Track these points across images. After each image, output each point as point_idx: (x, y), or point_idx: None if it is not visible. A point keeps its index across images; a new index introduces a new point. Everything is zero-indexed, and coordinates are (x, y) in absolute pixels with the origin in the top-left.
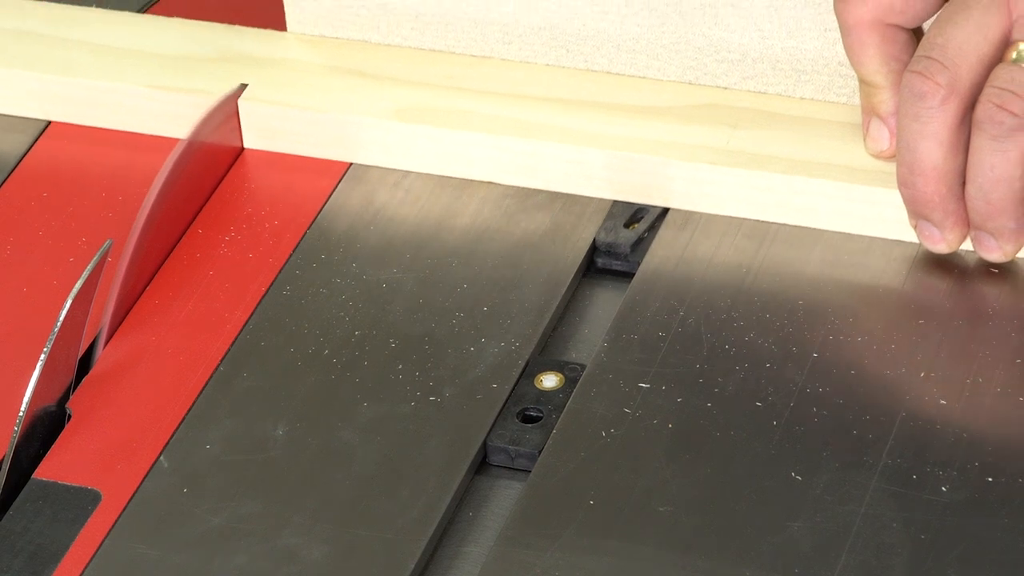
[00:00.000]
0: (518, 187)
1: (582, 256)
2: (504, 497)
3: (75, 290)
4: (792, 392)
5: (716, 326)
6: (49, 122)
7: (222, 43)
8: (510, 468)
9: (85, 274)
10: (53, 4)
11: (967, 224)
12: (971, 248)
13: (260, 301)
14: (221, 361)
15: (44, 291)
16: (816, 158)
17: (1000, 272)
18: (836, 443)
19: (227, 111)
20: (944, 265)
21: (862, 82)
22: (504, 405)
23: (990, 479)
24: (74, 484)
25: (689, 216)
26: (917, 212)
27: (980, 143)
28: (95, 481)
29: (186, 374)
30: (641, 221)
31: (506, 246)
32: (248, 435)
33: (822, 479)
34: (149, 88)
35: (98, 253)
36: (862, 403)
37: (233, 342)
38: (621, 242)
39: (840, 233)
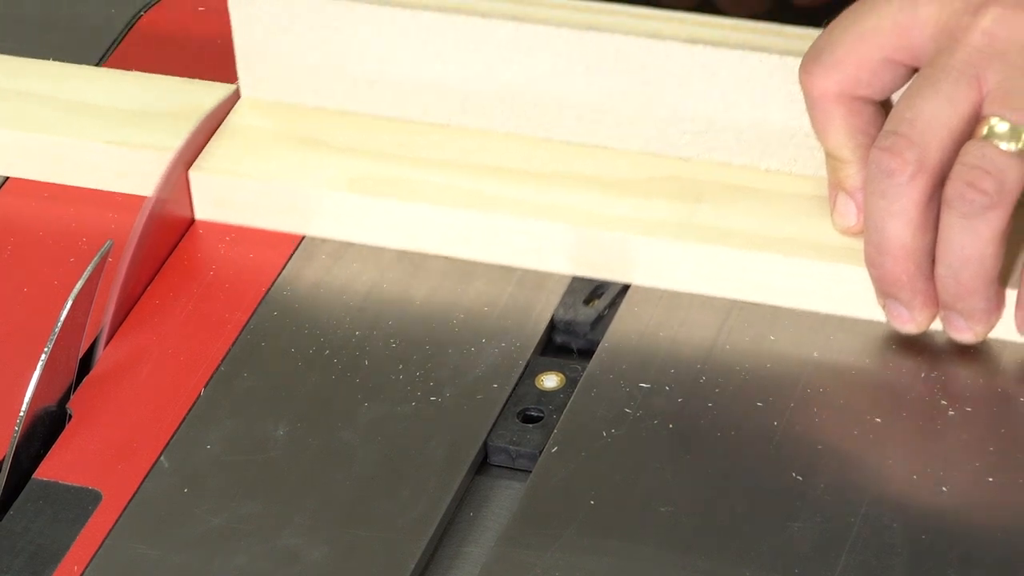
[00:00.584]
0: (474, 261)
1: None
2: (505, 497)
3: (76, 291)
4: (792, 392)
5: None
6: (6, 178)
7: (180, 97)
8: (511, 468)
9: (85, 275)
10: (9, 56)
11: (936, 304)
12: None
13: (260, 301)
14: (221, 361)
15: (44, 292)
16: (782, 234)
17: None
18: (836, 443)
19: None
20: (914, 345)
21: (828, 155)
22: (505, 405)
23: (990, 479)
24: (74, 484)
25: (651, 292)
26: (885, 291)
27: (950, 222)
28: (95, 481)
29: (186, 374)
30: (601, 297)
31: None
32: (248, 435)
33: (822, 479)
34: (107, 144)
35: (98, 254)
36: (862, 403)
37: (233, 342)
38: (580, 319)
39: (807, 311)
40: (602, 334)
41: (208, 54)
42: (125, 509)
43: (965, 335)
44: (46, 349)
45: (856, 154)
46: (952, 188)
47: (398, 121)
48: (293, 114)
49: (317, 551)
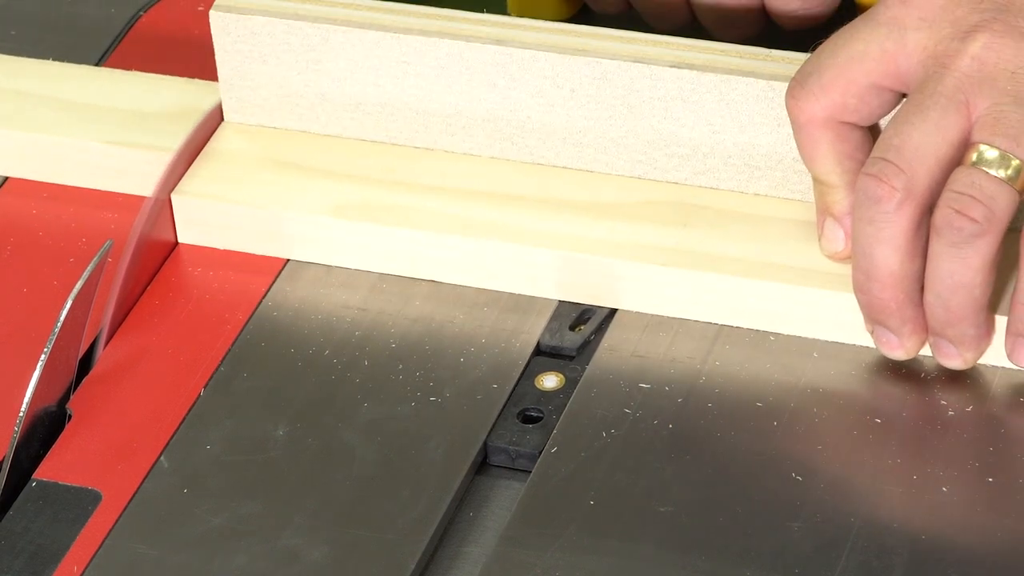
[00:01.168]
0: (460, 286)
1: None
2: (504, 497)
3: (75, 291)
4: (792, 392)
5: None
6: (6, 178)
7: (180, 97)
8: (510, 468)
9: (85, 275)
10: (9, 56)
11: (925, 330)
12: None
13: (260, 301)
14: (221, 361)
15: (44, 292)
16: (770, 259)
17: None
18: (836, 443)
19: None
20: (901, 371)
21: (816, 181)
22: (504, 405)
23: (990, 479)
24: (74, 484)
25: (638, 317)
26: (874, 318)
27: (939, 249)
28: (95, 481)
29: (186, 374)
30: (588, 323)
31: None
32: (248, 435)
33: (822, 479)
34: (106, 144)
35: (98, 254)
36: (862, 403)
37: (233, 342)
38: (567, 345)
39: (795, 336)
40: (588, 359)
41: (208, 54)
42: (125, 509)
43: (955, 361)
44: (46, 349)
45: (844, 179)
46: (941, 216)
47: (382, 145)
48: (277, 138)
49: (317, 551)
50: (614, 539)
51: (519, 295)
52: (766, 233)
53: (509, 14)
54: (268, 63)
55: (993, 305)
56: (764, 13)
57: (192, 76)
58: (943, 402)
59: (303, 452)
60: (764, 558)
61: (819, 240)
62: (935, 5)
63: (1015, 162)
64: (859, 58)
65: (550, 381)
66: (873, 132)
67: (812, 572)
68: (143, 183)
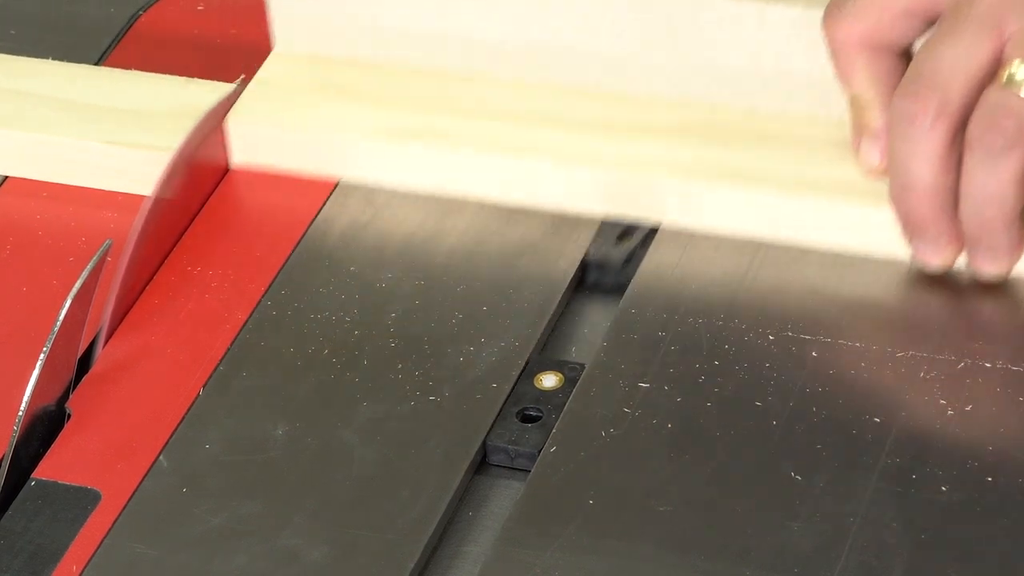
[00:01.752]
0: (508, 205)
1: (573, 272)
2: (504, 497)
3: (75, 290)
4: (792, 392)
5: (711, 337)
6: (6, 177)
7: (180, 97)
8: (510, 468)
9: (85, 274)
10: (9, 56)
11: (961, 240)
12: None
13: (260, 301)
14: (221, 361)
15: (44, 291)
16: (807, 176)
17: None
18: (836, 443)
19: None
20: (939, 281)
21: (851, 101)
22: (504, 405)
23: (990, 479)
24: (74, 484)
25: (680, 233)
26: (912, 231)
27: (972, 162)
28: (95, 481)
29: (186, 374)
30: (632, 237)
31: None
32: (248, 435)
33: (822, 479)
34: (107, 144)
35: (98, 253)
36: (862, 403)
37: (233, 342)
38: (613, 258)
39: (832, 251)
40: (633, 272)
41: (208, 54)
42: (124, 509)
43: (990, 269)
44: (45, 348)
45: (878, 98)
46: (973, 129)
47: (431, 72)
48: (326, 66)
49: (317, 551)
50: (614, 539)
51: (564, 213)
52: (804, 151)
53: None
54: None
55: None
56: None
57: (192, 76)
58: (943, 401)
59: (303, 452)
60: (764, 558)
61: (856, 157)
62: None
63: None
64: None
65: (549, 380)
66: (906, 56)
67: (812, 572)
68: (143, 183)
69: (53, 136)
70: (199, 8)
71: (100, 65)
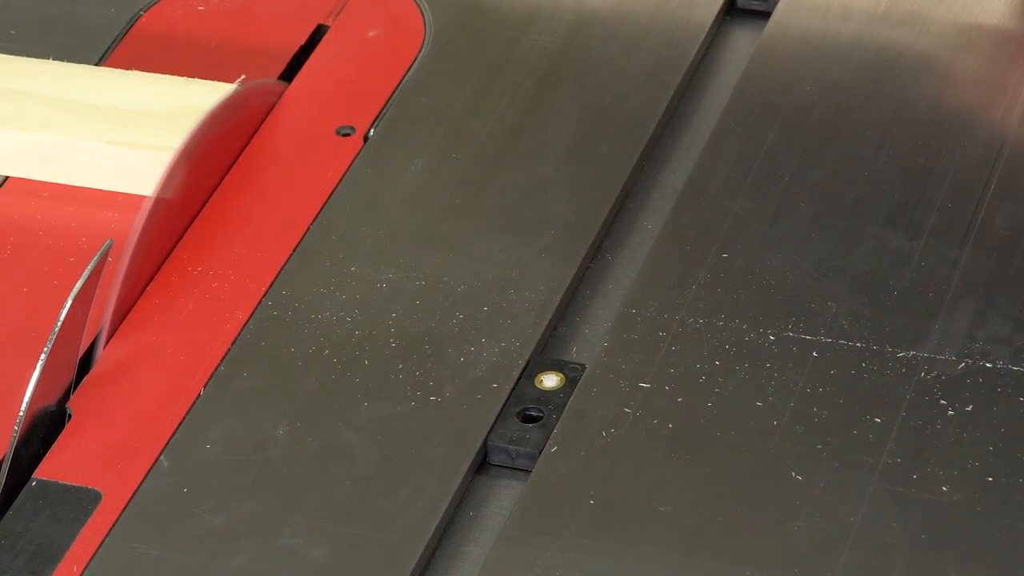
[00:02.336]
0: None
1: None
2: (504, 497)
3: (75, 290)
4: (792, 392)
5: (711, 337)
6: (6, 177)
7: (180, 97)
8: (510, 468)
9: (85, 274)
10: (9, 56)
11: None
12: None
13: (260, 301)
14: (221, 361)
15: (44, 291)
16: None
17: None
18: (836, 443)
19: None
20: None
21: None
22: (504, 405)
23: (990, 479)
24: (74, 484)
25: None
26: None
27: None
28: (95, 481)
29: (186, 374)
30: None
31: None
32: (248, 435)
33: (822, 479)
34: (107, 144)
35: (98, 253)
36: (862, 403)
37: (233, 342)
38: None
39: None
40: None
41: (208, 54)
42: (125, 509)
43: None
44: (46, 349)
45: None
46: None
47: None
48: None
49: (317, 551)
50: (614, 539)
51: None
52: None
53: None
54: None
55: None
56: None
57: (192, 76)
58: (943, 402)
59: (303, 452)
60: (764, 558)
61: None
62: None
63: None
64: None
65: (550, 381)
66: None
67: (812, 572)
68: (143, 183)
69: (53, 136)
70: (199, 8)
71: (100, 65)
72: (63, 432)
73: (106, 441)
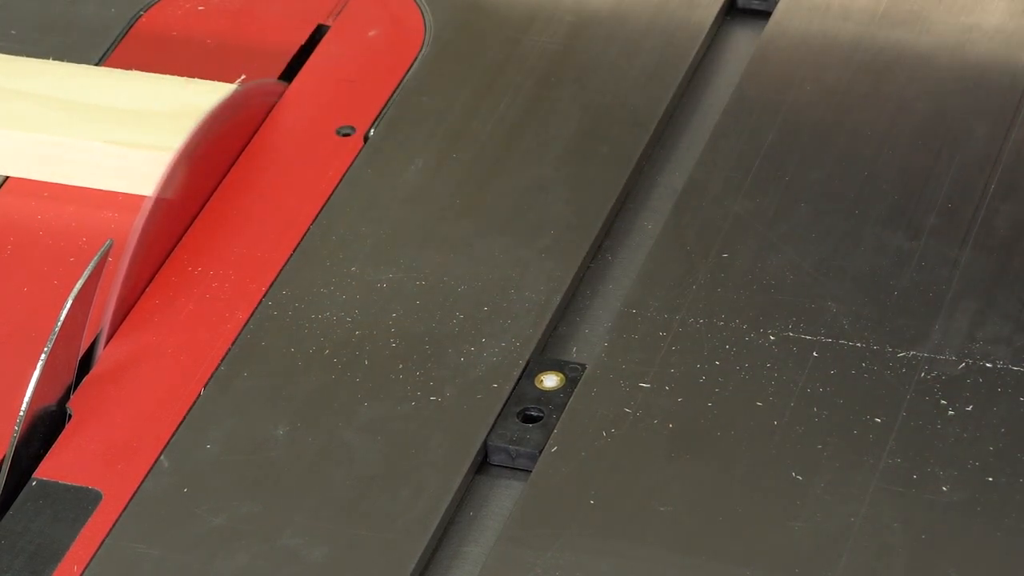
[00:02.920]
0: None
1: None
2: (505, 497)
3: (76, 290)
4: (792, 392)
5: (711, 337)
6: (6, 177)
7: (180, 97)
8: (511, 468)
9: (86, 274)
10: (9, 56)
11: None
12: None
13: (260, 301)
14: (222, 361)
15: (44, 292)
16: None
17: None
18: (836, 443)
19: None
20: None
21: None
22: (505, 405)
23: (990, 479)
24: (74, 484)
25: None
26: None
27: None
28: (95, 481)
29: (186, 374)
30: None
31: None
32: (248, 435)
33: (822, 479)
34: (106, 144)
35: (99, 253)
36: (862, 403)
37: (234, 342)
38: None
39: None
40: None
41: (208, 54)
42: (125, 509)
43: None
44: (46, 349)
45: None
46: None
47: None
48: None
49: (317, 551)
50: (614, 539)
51: None
52: None
53: None
54: None
55: None
56: None
57: (192, 76)
58: (943, 402)
59: (303, 452)
60: (764, 558)
61: None
62: None
63: None
64: None
65: (550, 381)
66: None
67: (812, 572)
68: (143, 183)
69: (53, 136)
70: (199, 8)
71: (100, 65)
72: (63, 432)
73: (106, 441)
